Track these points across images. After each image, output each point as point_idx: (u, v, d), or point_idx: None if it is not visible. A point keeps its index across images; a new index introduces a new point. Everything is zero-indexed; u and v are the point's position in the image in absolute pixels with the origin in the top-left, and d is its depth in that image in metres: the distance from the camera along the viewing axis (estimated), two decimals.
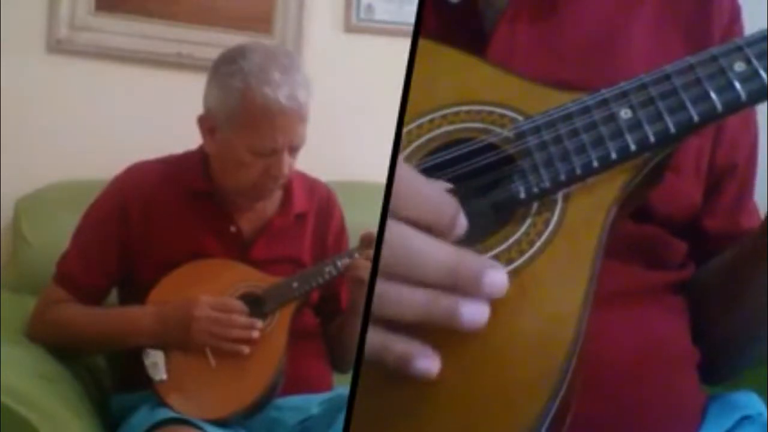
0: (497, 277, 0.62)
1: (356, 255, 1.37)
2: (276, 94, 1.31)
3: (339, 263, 1.38)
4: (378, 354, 0.62)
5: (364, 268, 1.35)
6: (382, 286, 0.61)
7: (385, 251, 0.61)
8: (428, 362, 0.62)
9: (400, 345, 0.62)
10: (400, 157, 0.68)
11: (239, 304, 1.35)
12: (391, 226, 0.61)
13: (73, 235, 1.46)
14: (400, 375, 0.63)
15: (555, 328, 0.64)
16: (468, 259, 0.62)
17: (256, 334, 1.33)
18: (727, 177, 0.93)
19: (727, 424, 0.88)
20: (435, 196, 0.65)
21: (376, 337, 0.62)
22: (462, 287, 0.61)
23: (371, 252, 1.34)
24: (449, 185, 0.72)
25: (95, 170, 1.63)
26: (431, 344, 0.62)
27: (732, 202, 0.94)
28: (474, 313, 0.61)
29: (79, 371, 1.41)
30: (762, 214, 0.97)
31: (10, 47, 1.73)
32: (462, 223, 0.64)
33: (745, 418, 0.90)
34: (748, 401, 0.92)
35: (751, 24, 0.89)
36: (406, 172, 0.64)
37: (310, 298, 1.46)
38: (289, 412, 1.38)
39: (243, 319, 1.34)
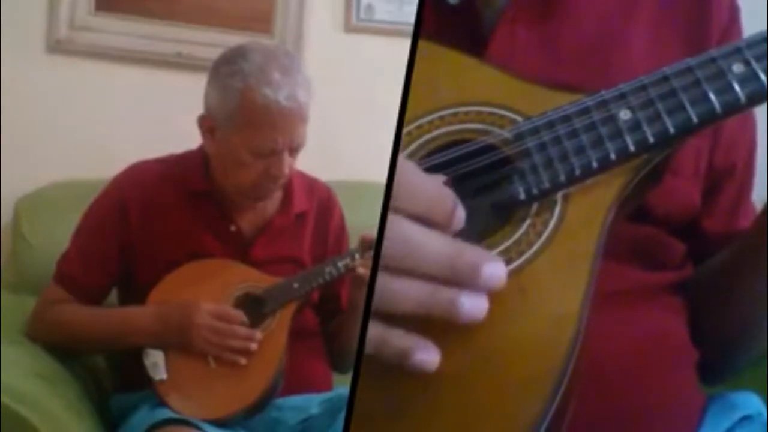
0: (496, 270, 0.62)
1: (356, 256, 1.37)
2: (276, 94, 1.31)
3: (340, 264, 1.38)
4: (377, 348, 0.62)
5: (367, 269, 1.35)
6: (381, 280, 0.61)
7: (384, 244, 0.61)
8: (427, 355, 0.62)
9: (399, 339, 0.62)
10: (401, 157, 0.68)
11: (240, 315, 1.36)
12: (391, 219, 0.62)
13: (73, 235, 1.46)
14: (398, 371, 0.63)
15: (554, 328, 0.65)
16: (467, 251, 0.63)
17: (254, 346, 1.34)
18: (726, 178, 0.93)
19: (727, 424, 0.89)
20: (433, 189, 0.65)
21: (375, 332, 0.62)
22: (461, 279, 0.62)
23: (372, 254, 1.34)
24: (445, 179, 0.72)
25: (95, 170, 1.63)
26: (431, 342, 0.62)
27: (731, 204, 0.94)
28: (473, 305, 0.62)
29: (79, 371, 1.41)
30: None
31: (10, 47, 1.73)
32: (460, 216, 0.65)
33: (745, 418, 0.90)
34: (748, 401, 0.93)
35: (751, 24, 0.89)
36: (405, 166, 0.65)
37: (311, 298, 1.46)
38: (290, 412, 1.39)
39: (243, 330, 1.34)
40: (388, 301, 0.62)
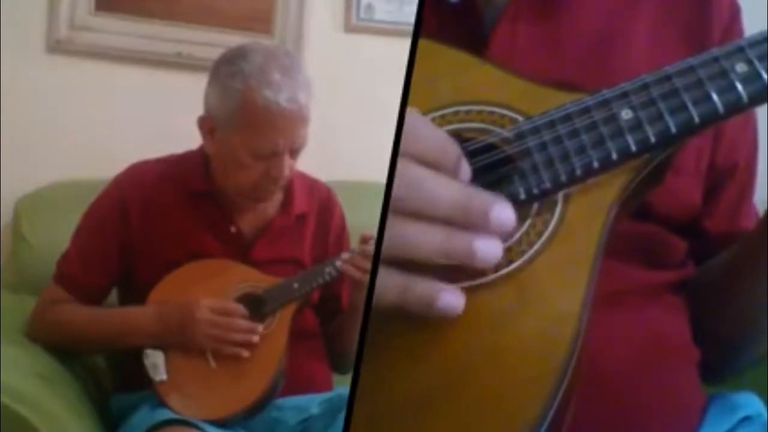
0: (504, 212, 0.62)
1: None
2: (276, 96, 1.31)
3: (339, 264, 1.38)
4: (399, 296, 0.62)
5: (357, 266, 1.34)
6: (396, 225, 0.61)
7: (397, 188, 0.62)
8: (453, 297, 0.62)
9: (423, 284, 0.62)
10: (409, 108, 0.68)
11: (240, 308, 1.35)
12: (402, 164, 0.62)
13: (73, 235, 1.46)
14: (399, 368, 0.62)
15: (555, 328, 0.64)
16: (476, 194, 0.63)
17: (256, 338, 1.33)
18: (727, 177, 0.93)
19: (727, 425, 0.88)
20: (439, 135, 0.66)
21: (395, 280, 0.62)
22: (473, 222, 0.62)
23: (368, 247, 1.34)
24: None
25: (95, 170, 1.63)
26: (433, 337, 0.63)
27: (732, 203, 0.94)
28: (487, 249, 0.62)
29: (79, 371, 1.41)
30: (760, 215, 0.97)
31: (10, 47, 1.73)
32: (465, 166, 0.65)
33: (745, 419, 0.90)
34: (748, 401, 0.92)
35: (751, 24, 0.89)
36: (412, 115, 0.65)
37: (311, 298, 1.46)
38: (290, 412, 1.39)
39: (244, 323, 1.34)
40: (406, 248, 0.62)
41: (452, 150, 0.65)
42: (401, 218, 0.62)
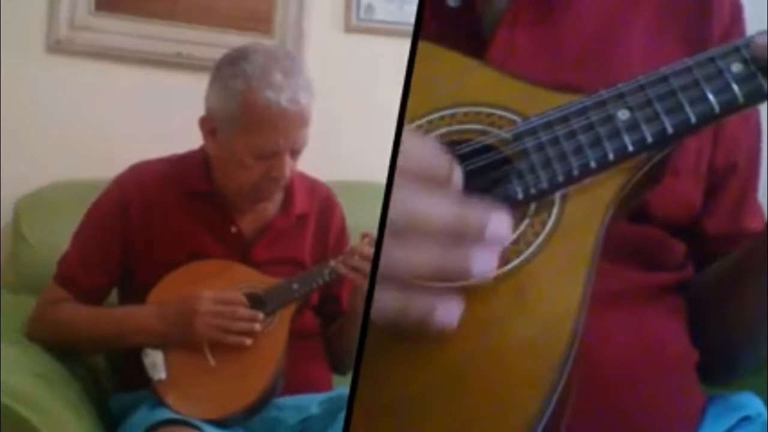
0: (501, 225, 0.63)
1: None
2: (278, 97, 1.31)
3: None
4: (400, 314, 0.63)
5: (351, 266, 1.34)
6: (393, 247, 0.62)
7: (391, 214, 0.62)
8: (447, 315, 0.63)
9: (420, 300, 0.63)
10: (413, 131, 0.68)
11: (240, 297, 1.36)
12: (395, 192, 0.63)
13: (74, 235, 1.46)
14: (399, 368, 0.63)
15: (551, 327, 0.65)
16: (471, 207, 0.63)
17: (258, 326, 1.34)
18: (728, 177, 0.92)
19: (727, 425, 0.89)
20: (429, 146, 0.67)
21: (394, 299, 0.63)
22: (468, 239, 0.62)
23: (362, 247, 1.34)
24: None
25: (95, 170, 1.63)
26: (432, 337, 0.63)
27: (733, 203, 0.93)
28: (483, 261, 0.63)
29: (79, 371, 1.41)
30: (765, 214, 0.96)
31: (10, 47, 1.73)
32: (458, 172, 0.65)
33: (745, 419, 0.90)
34: (748, 402, 0.93)
35: (752, 24, 0.89)
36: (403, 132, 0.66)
37: (311, 299, 1.46)
38: (290, 412, 1.39)
39: (245, 311, 1.34)
40: (402, 267, 0.62)
41: (443, 157, 0.65)
42: (395, 239, 0.62)
